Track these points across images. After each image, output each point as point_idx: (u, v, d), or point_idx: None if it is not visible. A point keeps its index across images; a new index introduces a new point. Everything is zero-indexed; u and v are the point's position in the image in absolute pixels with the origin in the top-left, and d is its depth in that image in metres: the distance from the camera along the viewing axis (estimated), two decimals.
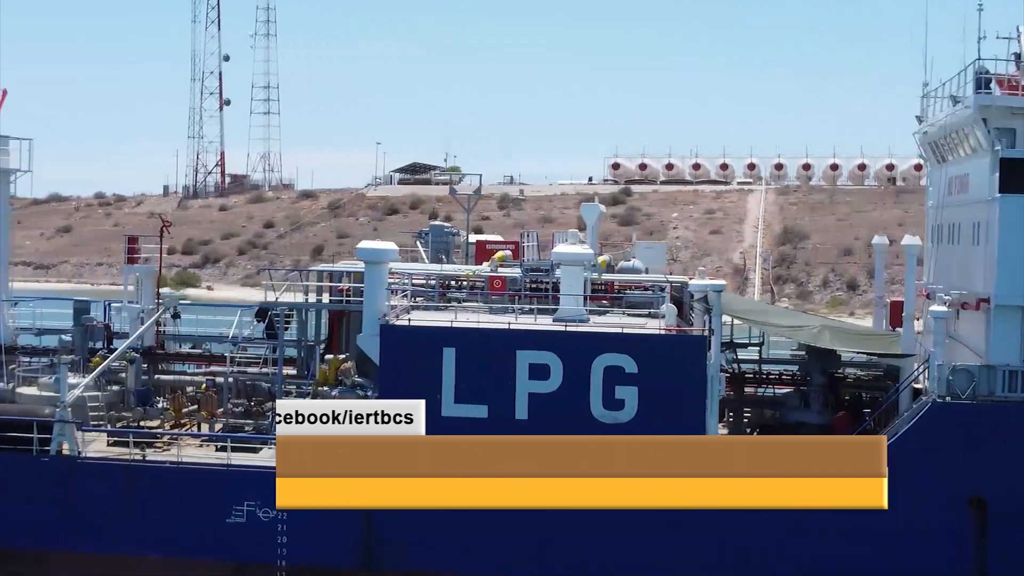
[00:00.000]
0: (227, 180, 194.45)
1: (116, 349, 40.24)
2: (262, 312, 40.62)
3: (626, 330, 34.62)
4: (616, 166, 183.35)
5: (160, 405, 39.17)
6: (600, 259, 42.22)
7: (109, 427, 37.76)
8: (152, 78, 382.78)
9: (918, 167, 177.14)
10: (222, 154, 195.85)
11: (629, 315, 37.55)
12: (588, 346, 34.12)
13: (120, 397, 39.18)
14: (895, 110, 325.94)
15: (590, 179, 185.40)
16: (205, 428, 38.53)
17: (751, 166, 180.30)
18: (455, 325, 35.03)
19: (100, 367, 37.68)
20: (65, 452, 36.24)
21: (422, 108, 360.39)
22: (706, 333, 34.50)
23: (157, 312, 40.47)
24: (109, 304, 43.56)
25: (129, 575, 35.69)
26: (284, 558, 35.25)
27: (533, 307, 36.45)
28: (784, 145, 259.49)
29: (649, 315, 37.42)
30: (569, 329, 34.56)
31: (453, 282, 40.94)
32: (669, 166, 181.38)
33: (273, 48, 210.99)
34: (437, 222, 45.12)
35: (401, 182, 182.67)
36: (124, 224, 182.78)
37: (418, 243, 43.62)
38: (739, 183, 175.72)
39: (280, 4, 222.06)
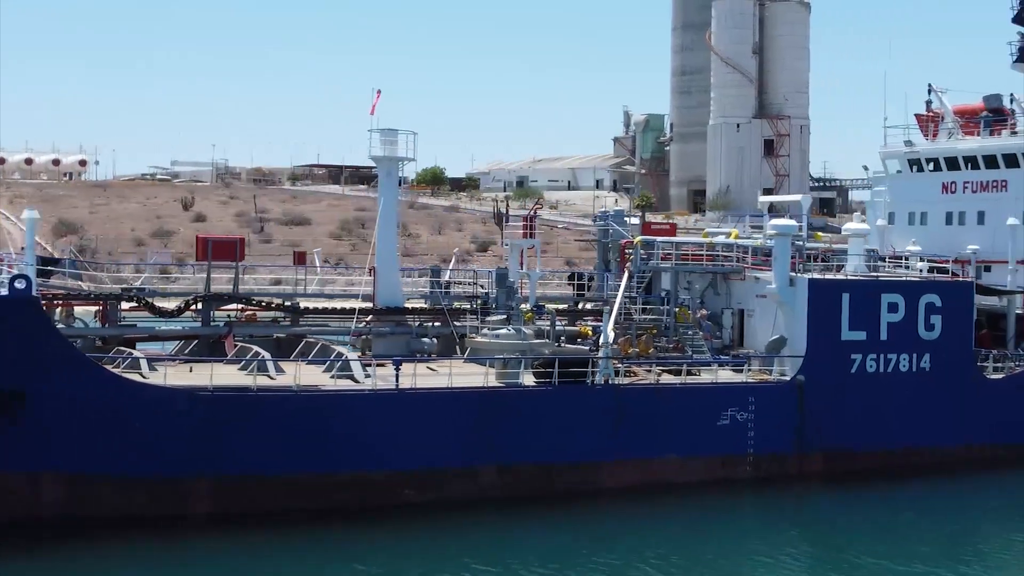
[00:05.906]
0: None
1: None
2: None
3: (938, 278, 53.66)
4: None
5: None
6: (732, 231, 60.04)
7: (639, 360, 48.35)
8: None
9: (83, 162, 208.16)
10: None
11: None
12: (916, 289, 52.38)
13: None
14: None
15: None
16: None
17: None
18: (848, 278, 51.54)
19: (612, 313, 47.72)
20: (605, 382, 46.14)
21: None
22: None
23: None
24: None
25: (659, 475, 46.81)
26: (752, 447, 48.86)
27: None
28: None
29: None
30: (910, 279, 52.79)
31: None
32: None
33: None
34: (616, 208, 59.00)
35: None
36: None
37: (611, 223, 56.88)
38: None
39: None
